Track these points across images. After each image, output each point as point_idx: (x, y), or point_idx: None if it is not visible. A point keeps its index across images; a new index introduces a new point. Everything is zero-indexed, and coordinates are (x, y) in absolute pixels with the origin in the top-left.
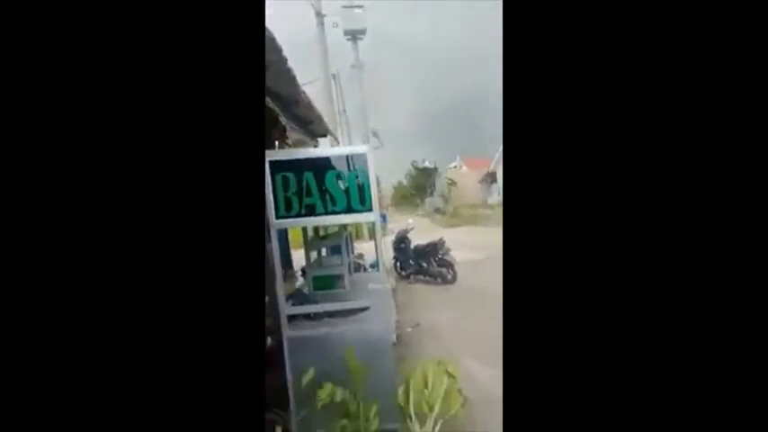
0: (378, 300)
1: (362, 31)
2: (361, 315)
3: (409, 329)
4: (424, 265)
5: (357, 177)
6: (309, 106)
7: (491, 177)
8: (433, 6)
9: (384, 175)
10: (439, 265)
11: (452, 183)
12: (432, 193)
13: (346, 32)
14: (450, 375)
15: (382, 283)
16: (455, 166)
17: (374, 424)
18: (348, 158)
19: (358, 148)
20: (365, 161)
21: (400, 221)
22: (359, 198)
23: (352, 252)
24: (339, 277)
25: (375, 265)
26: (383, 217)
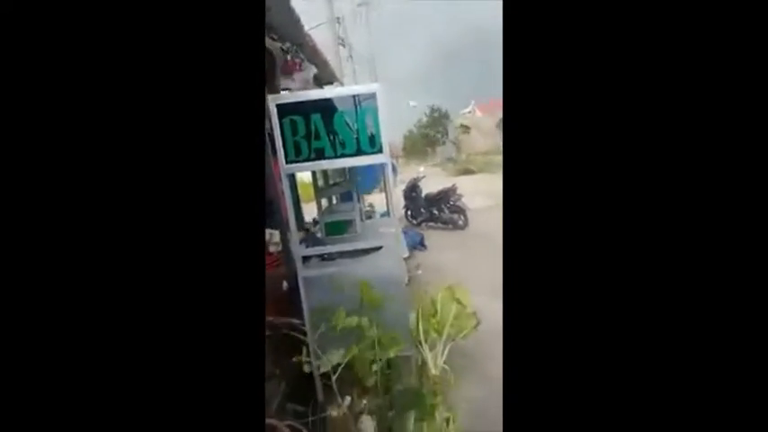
0: (389, 241)
1: None
2: (374, 254)
3: (419, 272)
4: (436, 212)
5: (366, 118)
6: (314, 51)
7: None
8: None
9: (393, 123)
10: (451, 212)
11: (466, 129)
12: (444, 142)
13: None
14: (459, 302)
15: (393, 227)
16: (469, 112)
17: (390, 351)
18: (357, 99)
19: (367, 87)
20: (375, 101)
21: (411, 173)
22: (368, 140)
23: (362, 203)
24: (350, 222)
25: (385, 214)
26: (392, 168)
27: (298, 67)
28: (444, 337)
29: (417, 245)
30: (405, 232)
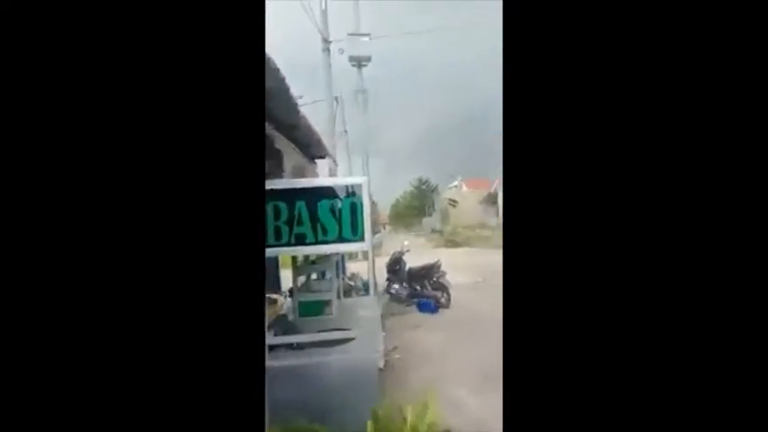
0: (366, 327)
1: (367, 58)
2: (347, 345)
3: (396, 356)
4: (419, 288)
5: (351, 208)
6: (309, 129)
7: (491, 199)
8: (435, 36)
9: (382, 193)
10: (434, 289)
11: (453, 203)
12: (430, 213)
13: (351, 59)
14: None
15: (372, 308)
16: (455, 186)
17: None
18: (343, 189)
19: (354, 180)
20: (361, 191)
21: (396, 241)
22: (351, 227)
23: (344, 274)
24: (327, 303)
25: (367, 289)
26: (377, 230)
27: None
28: None
29: (432, 310)
30: (418, 302)
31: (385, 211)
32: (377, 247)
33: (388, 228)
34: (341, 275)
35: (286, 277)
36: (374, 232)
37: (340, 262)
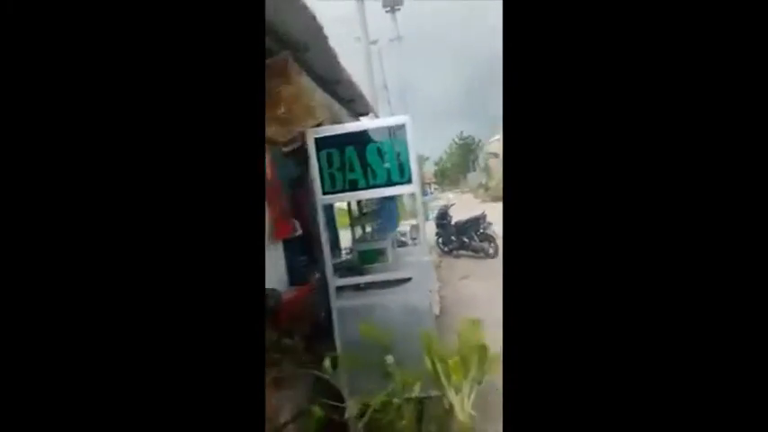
0: (419, 271)
1: (400, 2)
2: (404, 286)
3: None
4: (466, 240)
5: (397, 149)
6: (351, 84)
7: None
8: None
9: (426, 151)
10: (480, 240)
11: (495, 156)
12: (474, 168)
13: (385, 3)
14: (483, 346)
15: (424, 256)
16: (498, 139)
17: (415, 390)
18: (388, 131)
19: (397, 119)
20: (404, 133)
21: (444, 199)
22: (399, 170)
23: (396, 228)
24: (383, 251)
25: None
26: (425, 193)
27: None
28: (469, 379)
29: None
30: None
31: (430, 169)
32: (426, 206)
33: (434, 186)
34: (394, 228)
35: (345, 237)
36: (426, 192)
37: (393, 212)
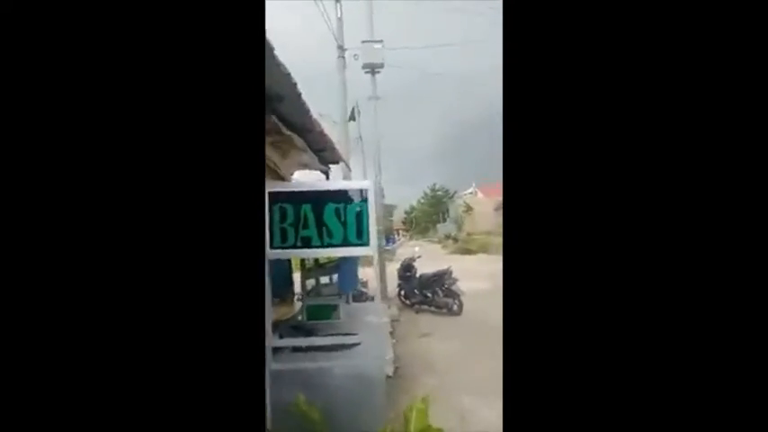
0: (372, 334)
1: (380, 65)
2: (353, 350)
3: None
4: (429, 295)
5: (356, 212)
6: (322, 134)
7: None
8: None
9: (397, 200)
10: (445, 296)
11: (467, 209)
12: (445, 219)
13: (365, 66)
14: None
15: (380, 314)
16: (470, 193)
17: None
18: (348, 194)
19: (360, 184)
20: (367, 196)
21: (411, 246)
22: (356, 231)
23: (355, 287)
24: (335, 307)
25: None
26: (392, 240)
27: None
28: None
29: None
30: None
31: (401, 217)
32: (391, 254)
33: (402, 234)
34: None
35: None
36: (390, 239)
37: (353, 269)
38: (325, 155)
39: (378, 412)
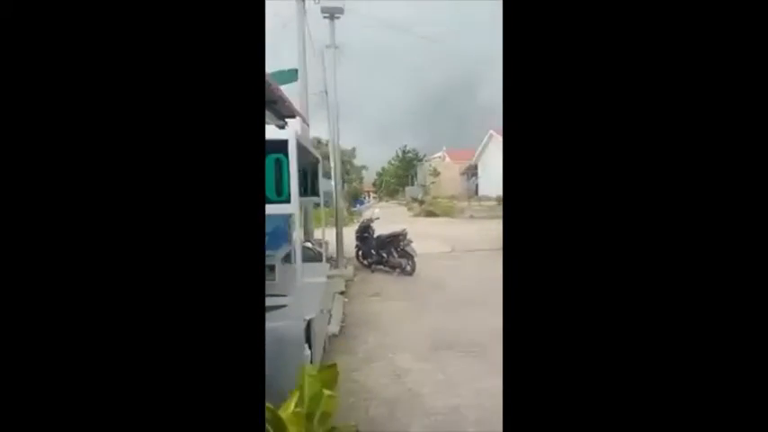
0: (304, 294)
1: (340, 10)
2: (276, 312)
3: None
4: (385, 255)
5: (275, 166)
6: (268, 85)
7: (472, 170)
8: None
9: (369, 161)
10: (399, 257)
11: (435, 173)
12: (413, 182)
13: (324, 10)
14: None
15: (321, 275)
16: (439, 157)
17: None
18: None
19: (278, 133)
20: (286, 149)
21: (383, 207)
22: (275, 188)
23: (290, 241)
24: (270, 268)
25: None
26: (360, 201)
27: None
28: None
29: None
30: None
31: (370, 178)
32: (359, 215)
33: (372, 196)
34: (289, 242)
35: None
36: (359, 201)
37: (288, 227)
38: (276, 107)
39: (293, 374)
